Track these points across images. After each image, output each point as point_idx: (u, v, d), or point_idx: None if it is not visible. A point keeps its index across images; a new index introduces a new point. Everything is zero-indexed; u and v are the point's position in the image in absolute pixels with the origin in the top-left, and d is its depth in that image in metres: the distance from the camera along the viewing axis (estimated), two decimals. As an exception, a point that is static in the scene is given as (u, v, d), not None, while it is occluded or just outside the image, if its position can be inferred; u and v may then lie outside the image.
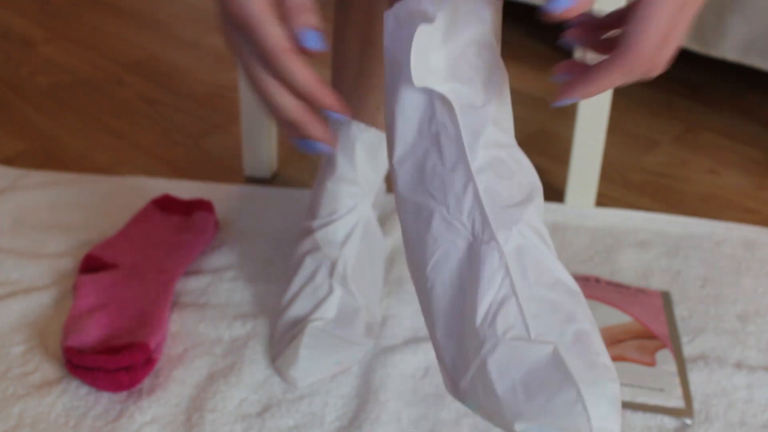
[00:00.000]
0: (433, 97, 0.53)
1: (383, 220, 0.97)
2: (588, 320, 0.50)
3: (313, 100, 0.51)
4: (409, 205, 0.55)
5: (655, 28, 0.47)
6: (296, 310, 0.79)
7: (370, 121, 0.81)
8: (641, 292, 0.86)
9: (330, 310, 0.78)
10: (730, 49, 1.24)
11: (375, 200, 0.87)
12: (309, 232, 0.83)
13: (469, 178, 0.52)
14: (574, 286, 0.52)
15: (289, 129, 0.53)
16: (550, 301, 0.50)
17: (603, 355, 0.48)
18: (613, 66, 0.48)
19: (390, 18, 0.54)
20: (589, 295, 0.83)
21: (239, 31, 0.50)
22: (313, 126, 0.53)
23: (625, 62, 0.48)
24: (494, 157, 0.53)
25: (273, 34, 0.49)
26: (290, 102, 0.52)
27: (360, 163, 0.82)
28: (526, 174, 0.55)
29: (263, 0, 0.49)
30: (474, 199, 0.52)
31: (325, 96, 0.51)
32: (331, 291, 0.79)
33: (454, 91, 0.53)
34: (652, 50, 0.47)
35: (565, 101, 0.50)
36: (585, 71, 0.49)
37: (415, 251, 0.55)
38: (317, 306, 0.78)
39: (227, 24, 0.51)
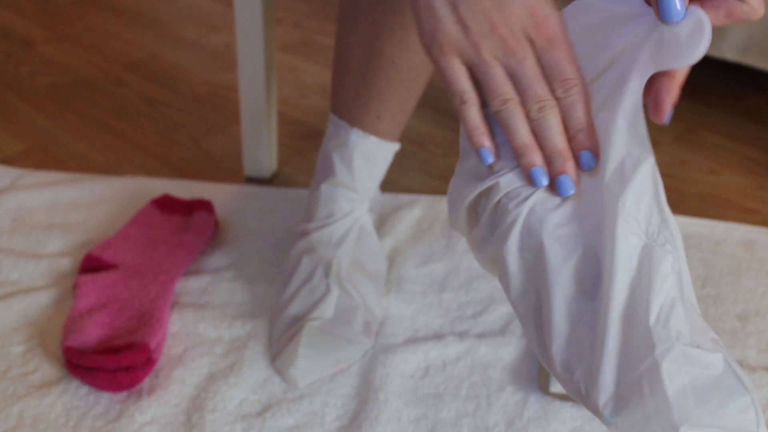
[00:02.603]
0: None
1: (383, 220, 0.97)
2: (711, 329, 0.52)
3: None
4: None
5: None
6: (294, 309, 0.79)
7: (370, 130, 0.82)
8: (641, 292, 0.86)
9: (328, 309, 0.78)
10: (730, 49, 1.24)
11: (371, 205, 0.88)
12: (305, 233, 0.84)
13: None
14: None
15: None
16: (693, 307, 0.51)
17: (737, 364, 0.50)
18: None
19: None
20: (589, 295, 0.83)
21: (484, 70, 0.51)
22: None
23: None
24: None
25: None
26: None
27: (358, 170, 0.83)
28: None
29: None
30: (654, 199, 0.52)
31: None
32: (328, 291, 0.79)
33: None
34: None
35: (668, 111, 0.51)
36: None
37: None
38: (315, 305, 0.78)
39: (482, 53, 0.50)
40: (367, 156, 0.83)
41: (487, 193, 0.54)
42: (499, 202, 0.53)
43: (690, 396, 0.47)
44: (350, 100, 0.81)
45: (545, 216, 0.52)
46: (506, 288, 0.55)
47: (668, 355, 0.48)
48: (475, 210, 0.56)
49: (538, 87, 0.50)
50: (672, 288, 0.50)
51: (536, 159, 0.51)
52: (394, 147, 0.85)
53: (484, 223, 0.55)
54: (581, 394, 0.50)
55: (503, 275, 0.54)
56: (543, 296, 0.52)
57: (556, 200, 0.52)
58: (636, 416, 0.48)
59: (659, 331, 0.48)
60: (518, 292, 0.53)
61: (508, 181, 0.53)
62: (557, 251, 0.51)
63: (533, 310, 0.53)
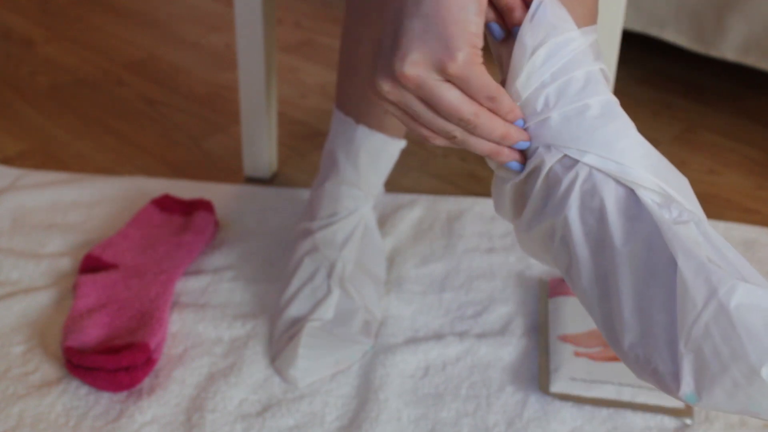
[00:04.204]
0: None
1: (383, 220, 0.97)
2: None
3: (509, 142, 0.53)
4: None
5: None
6: (294, 310, 0.79)
7: (377, 126, 0.81)
8: (641, 292, 0.86)
9: (328, 311, 0.78)
10: (730, 49, 1.24)
11: (375, 203, 0.87)
12: (308, 233, 0.83)
13: None
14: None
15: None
16: (725, 260, 0.50)
17: None
18: None
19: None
20: (589, 295, 0.83)
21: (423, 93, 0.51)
22: (506, 155, 0.55)
23: None
24: None
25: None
26: (484, 144, 0.54)
27: (363, 167, 0.82)
28: None
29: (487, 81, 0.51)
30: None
31: (520, 135, 0.54)
32: (329, 292, 0.79)
33: None
34: None
35: None
36: None
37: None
38: (315, 307, 0.78)
39: (397, 84, 0.51)
40: (374, 153, 0.82)
41: (535, 171, 0.54)
42: (549, 172, 0.53)
43: (765, 334, 0.45)
44: (358, 95, 0.80)
45: (605, 178, 0.52)
46: (567, 260, 0.53)
47: (734, 293, 0.46)
48: (522, 192, 0.56)
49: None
50: (701, 249, 0.49)
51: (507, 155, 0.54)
52: (400, 144, 0.84)
53: (535, 197, 0.54)
54: (657, 377, 0.49)
55: (563, 245, 0.53)
56: (608, 269, 0.51)
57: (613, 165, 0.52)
58: (714, 370, 0.46)
59: (718, 275, 0.47)
60: (582, 260, 0.52)
61: (554, 154, 0.53)
62: (621, 222, 0.51)
63: (597, 283, 0.52)
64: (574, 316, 0.80)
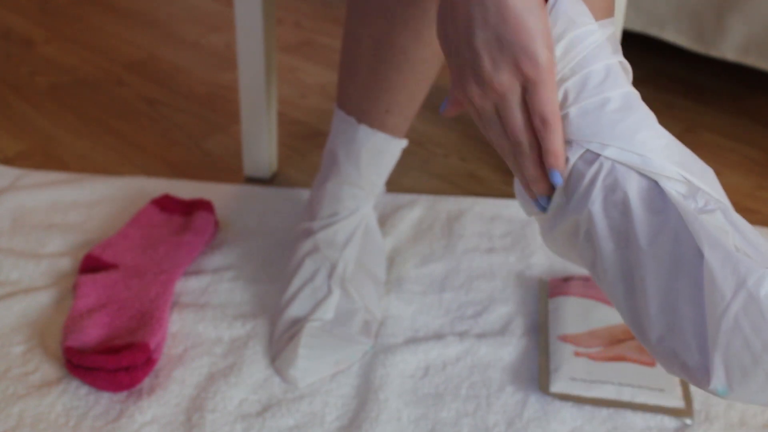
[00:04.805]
0: None
1: (383, 220, 0.97)
2: None
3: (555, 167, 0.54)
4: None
5: None
6: (295, 310, 0.79)
7: (379, 125, 0.81)
8: (641, 292, 0.86)
9: (328, 311, 0.78)
10: (730, 49, 1.24)
11: (376, 202, 0.87)
12: (309, 233, 0.83)
13: None
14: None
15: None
16: (754, 247, 0.50)
17: None
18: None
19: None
20: (589, 295, 0.83)
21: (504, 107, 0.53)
22: (539, 189, 0.56)
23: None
24: None
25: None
26: (528, 171, 0.56)
27: (365, 167, 0.82)
28: None
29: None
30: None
31: (545, 188, 0.56)
32: (329, 293, 0.79)
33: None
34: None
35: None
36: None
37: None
38: (316, 307, 0.78)
39: (486, 90, 0.53)
40: (375, 152, 0.82)
41: None
42: (572, 169, 0.53)
43: None
44: (359, 94, 0.80)
45: (628, 171, 0.52)
46: (592, 256, 0.53)
47: (763, 283, 0.45)
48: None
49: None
50: (729, 239, 0.48)
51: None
52: (401, 143, 0.84)
53: (558, 194, 0.54)
54: (687, 371, 0.48)
55: (587, 241, 0.53)
56: (634, 263, 0.51)
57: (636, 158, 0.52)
58: (745, 363, 0.45)
59: (746, 264, 0.46)
60: (607, 255, 0.52)
61: (575, 150, 0.53)
62: (645, 215, 0.50)
63: (623, 278, 0.52)
64: (574, 316, 0.80)
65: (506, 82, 0.51)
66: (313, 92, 1.34)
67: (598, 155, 0.52)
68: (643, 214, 0.51)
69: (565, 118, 0.53)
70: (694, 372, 0.48)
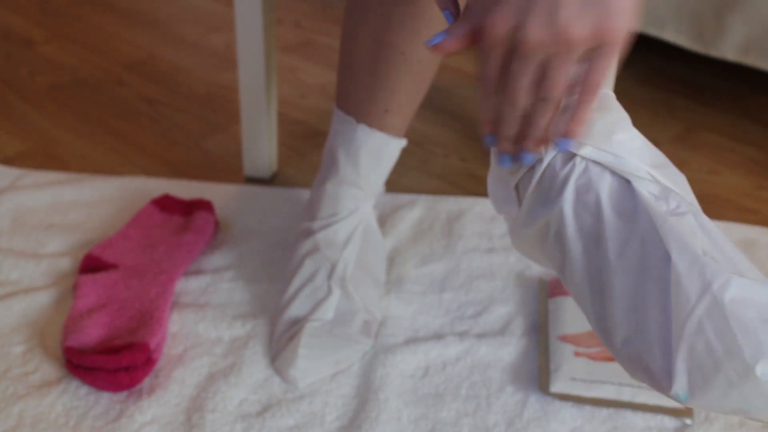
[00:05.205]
0: None
1: (383, 220, 0.97)
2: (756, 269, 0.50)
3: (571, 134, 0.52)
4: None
5: None
6: (295, 310, 0.79)
7: (378, 125, 0.81)
8: (641, 292, 0.86)
9: (328, 311, 0.78)
10: (730, 49, 1.24)
11: (375, 202, 0.87)
12: (309, 233, 0.83)
13: None
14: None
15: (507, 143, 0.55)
16: (723, 253, 0.49)
17: None
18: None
19: None
20: (589, 295, 0.83)
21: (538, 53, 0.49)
22: (532, 145, 0.54)
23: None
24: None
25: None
26: (538, 131, 0.53)
27: (364, 167, 0.82)
28: None
29: None
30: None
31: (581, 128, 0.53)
32: (329, 293, 0.79)
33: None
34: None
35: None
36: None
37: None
38: (316, 307, 0.78)
39: (552, 40, 0.48)
40: (374, 152, 0.82)
41: (531, 170, 0.54)
42: (546, 170, 0.53)
43: (760, 330, 0.43)
44: (358, 94, 0.80)
45: (602, 174, 0.51)
46: (560, 258, 0.53)
47: (728, 287, 0.44)
48: (518, 190, 0.56)
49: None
50: (700, 240, 0.48)
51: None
52: (400, 143, 0.84)
53: (531, 194, 0.54)
54: (650, 375, 0.48)
55: (557, 242, 0.52)
56: (602, 265, 0.50)
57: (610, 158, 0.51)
58: (707, 368, 0.45)
59: (711, 268, 0.45)
60: (575, 257, 0.51)
61: (551, 148, 0.53)
62: (615, 219, 0.50)
63: (590, 280, 0.51)
64: (574, 316, 0.80)
65: (585, 35, 0.47)
66: (313, 92, 1.34)
67: (574, 155, 0.52)
68: (614, 218, 0.51)
69: None
70: (657, 376, 0.47)
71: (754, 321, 0.44)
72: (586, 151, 0.52)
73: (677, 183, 0.53)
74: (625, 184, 0.51)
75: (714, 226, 0.51)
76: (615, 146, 0.51)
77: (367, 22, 0.77)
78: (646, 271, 0.48)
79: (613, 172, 0.51)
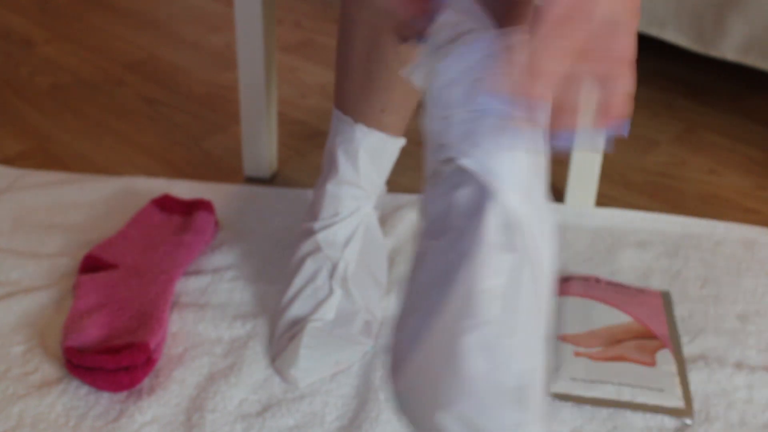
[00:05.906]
0: None
1: (383, 220, 0.97)
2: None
3: None
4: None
5: None
6: (296, 310, 0.79)
7: (375, 124, 0.81)
8: (641, 292, 0.86)
9: (329, 311, 0.78)
10: (730, 49, 1.24)
11: (376, 202, 0.87)
12: (310, 233, 0.83)
13: None
14: None
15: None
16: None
17: None
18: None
19: None
20: (589, 295, 0.83)
21: None
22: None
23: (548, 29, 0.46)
24: None
25: None
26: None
27: (363, 166, 0.82)
28: None
29: None
30: None
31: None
32: (331, 293, 0.79)
33: None
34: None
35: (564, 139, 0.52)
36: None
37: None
38: (317, 307, 0.78)
39: None
40: (373, 152, 0.82)
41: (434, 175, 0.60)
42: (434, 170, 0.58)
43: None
44: (354, 94, 0.81)
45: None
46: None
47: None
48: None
49: None
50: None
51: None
52: (399, 142, 0.84)
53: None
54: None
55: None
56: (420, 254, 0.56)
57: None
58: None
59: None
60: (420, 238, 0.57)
61: (443, 153, 0.58)
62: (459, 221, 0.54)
63: (415, 266, 0.56)
64: (574, 316, 0.80)
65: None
66: (313, 92, 1.34)
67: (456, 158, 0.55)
68: (458, 220, 0.53)
69: (447, 120, 0.56)
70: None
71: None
72: (466, 161, 0.54)
73: (543, 220, 0.54)
74: (483, 197, 0.52)
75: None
76: (495, 163, 0.53)
77: (361, 22, 0.77)
78: (441, 282, 0.52)
79: (482, 185, 0.53)
